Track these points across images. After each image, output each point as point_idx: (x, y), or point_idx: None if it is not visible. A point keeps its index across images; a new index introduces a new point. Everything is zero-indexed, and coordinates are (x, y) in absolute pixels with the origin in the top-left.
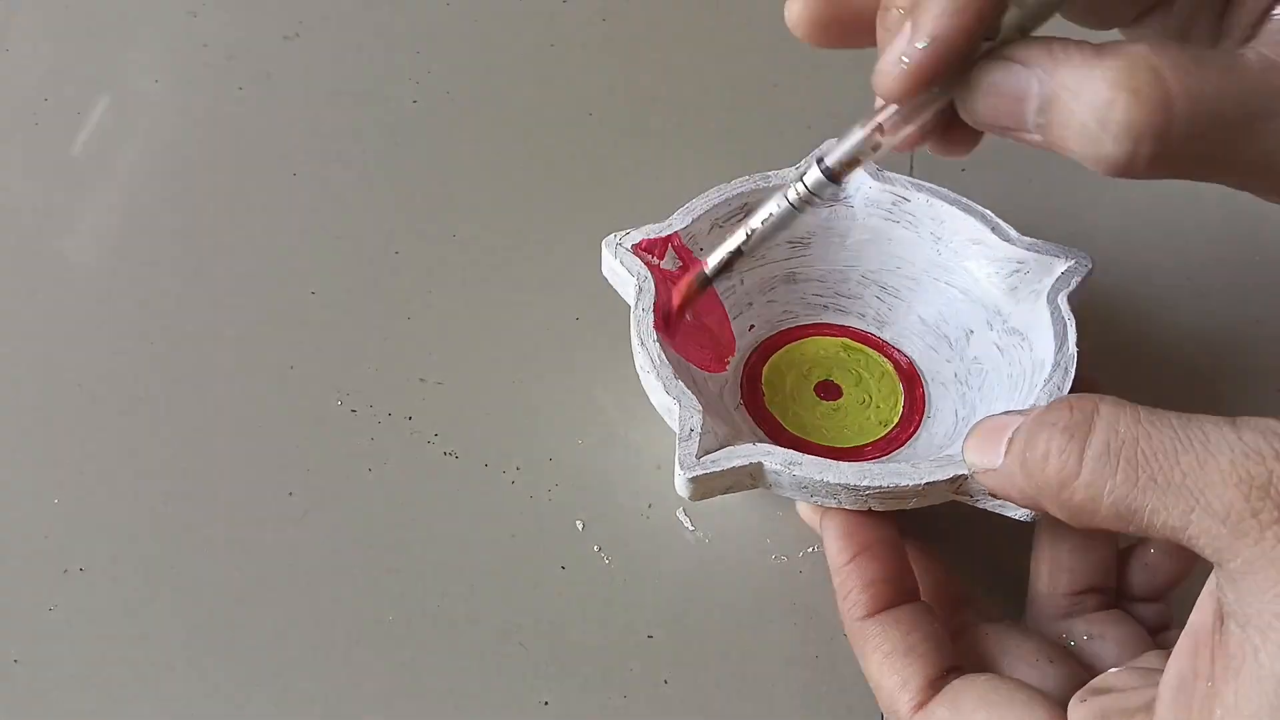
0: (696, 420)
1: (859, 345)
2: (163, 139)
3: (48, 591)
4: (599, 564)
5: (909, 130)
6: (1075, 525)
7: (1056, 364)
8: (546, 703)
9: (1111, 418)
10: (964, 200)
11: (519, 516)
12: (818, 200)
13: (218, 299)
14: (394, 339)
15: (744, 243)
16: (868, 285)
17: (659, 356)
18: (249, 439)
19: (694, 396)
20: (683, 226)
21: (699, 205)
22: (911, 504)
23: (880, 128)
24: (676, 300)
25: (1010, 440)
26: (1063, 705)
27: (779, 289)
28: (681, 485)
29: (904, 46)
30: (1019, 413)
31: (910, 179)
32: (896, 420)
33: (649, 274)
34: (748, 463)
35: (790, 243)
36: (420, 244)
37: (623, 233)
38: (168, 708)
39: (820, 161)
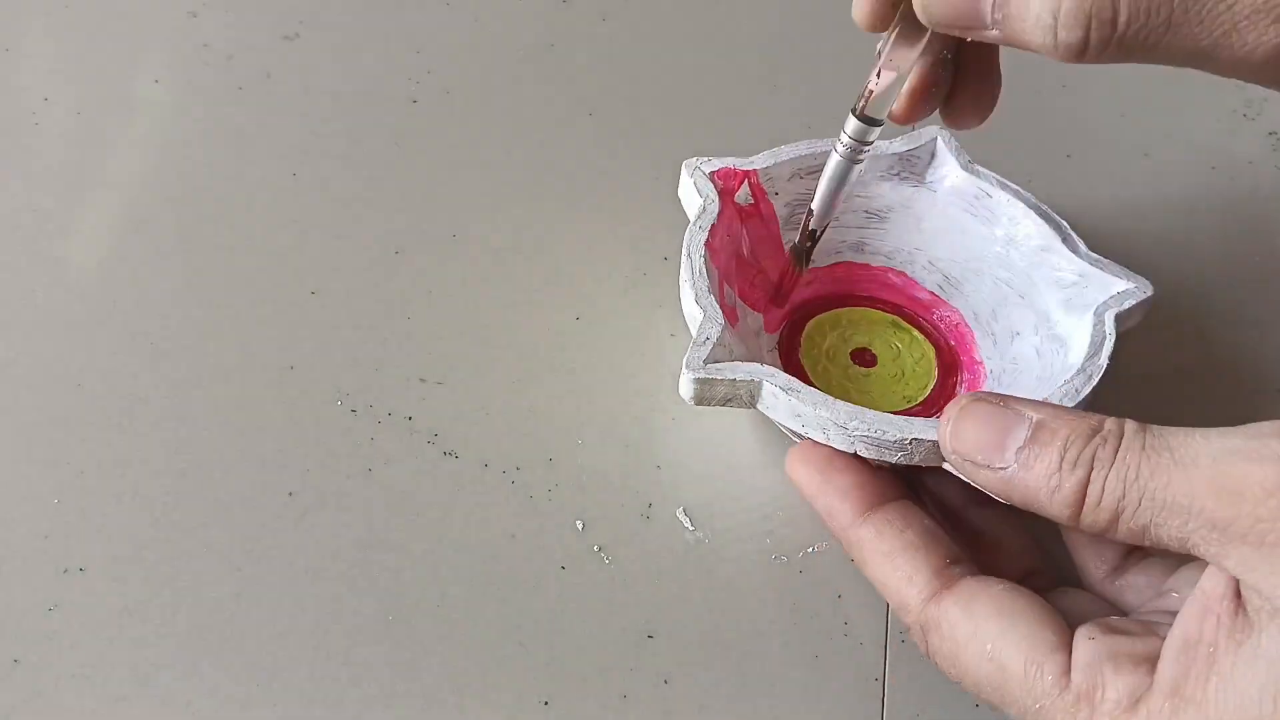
0: (715, 331)
1: (908, 326)
2: (163, 139)
3: (48, 591)
4: (599, 564)
5: (909, 56)
6: (1074, 529)
7: (1082, 369)
8: (546, 703)
9: (1126, 447)
10: (1043, 206)
11: (519, 516)
12: (864, 146)
13: (218, 299)
14: (394, 339)
15: (811, 206)
16: (931, 271)
17: (700, 270)
18: (249, 439)
19: (720, 312)
20: (764, 166)
21: (786, 151)
22: (897, 458)
23: (884, 58)
24: (788, 283)
25: (1023, 448)
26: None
27: (845, 255)
28: (685, 385)
29: None
30: (1016, 406)
31: (996, 176)
32: (920, 401)
33: (718, 198)
34: (749, 378)
35: (868, 213)
36: (420, 244)
37: (704, 158)
38: (168, 708)
39: (853, 109)
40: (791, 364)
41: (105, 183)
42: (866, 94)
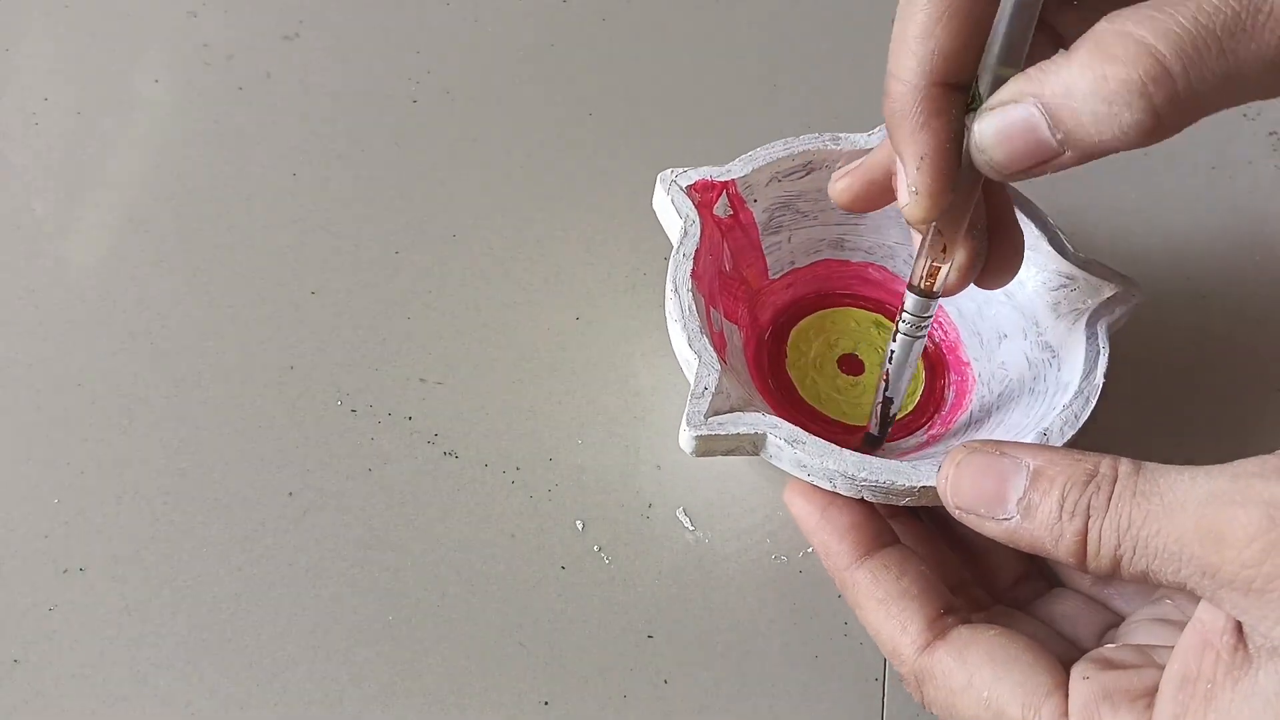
0: (712, 380)
1: (891, 324)
2: (163, 139)
3: (48, 591)
4: (599, 564)
5: (960, 226)
6: (1082, 572)
7: (1079, 391)
8: (546, 703)
9: (1119, 494)
10: (1031, 204)
11: (519, 516)
12: (925, 319)
13: (218, 299)
14: (394, 339)
15: (884, 387)
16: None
17: (689, 307)
18: (249, 439)
19: (715, 354)
20: (741, 175)
21: (761, 155)
22: (904, 502)
23: (936, 230)
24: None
25: (1023, 498)
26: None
27: (825, 252)
28: (686, 441)
29: (906, 178)
30: (1012, 453)
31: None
32: (911, 408)
33: (698, 218)
34: (752, 431)
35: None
36: (420, 244)
37: (680, 170)
38: (168, 708)
39: (910, 285)
40: (779, 376)
41: (105, 183)
42: (925, 275)
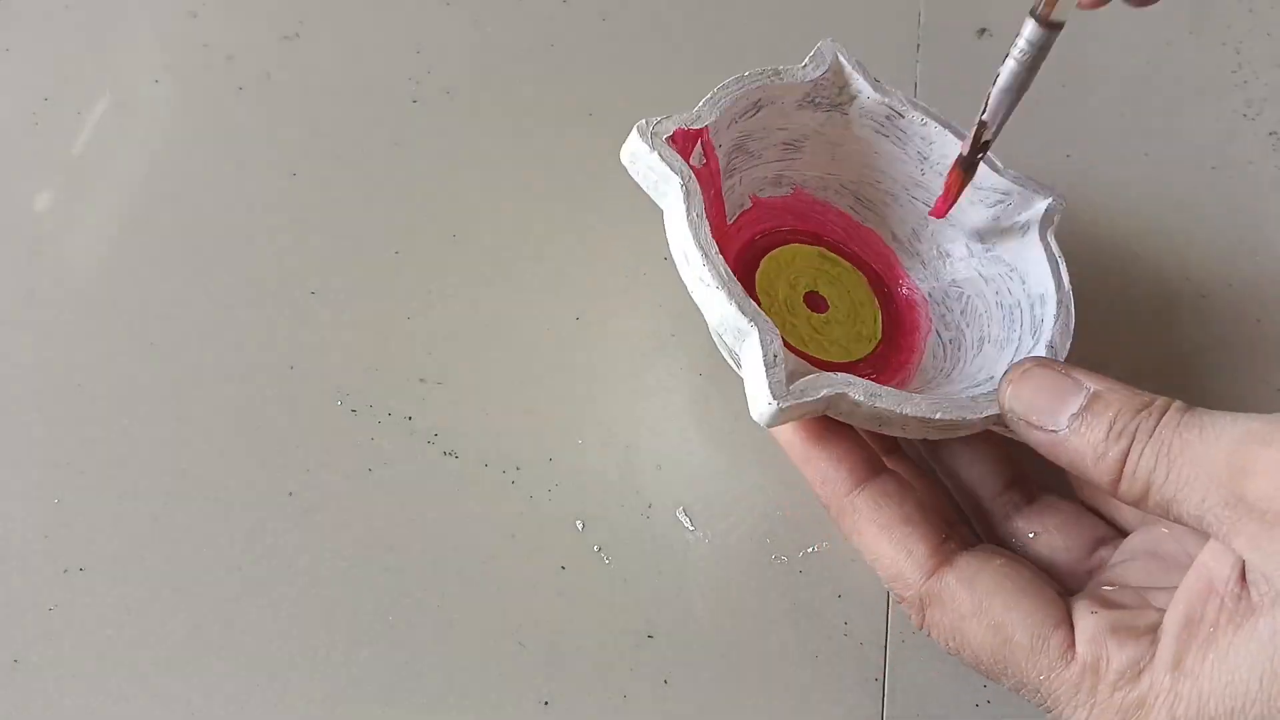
0: (778, 344)
1: (834, 255)
2: (163, 139)
3: (48, 591)
4: (599, 564)
5: None
6: (1114, 498)
7: (1060, 301)
8: (546, 703)
9: (1165, 423)
10: (956, 124)
11: (519, 516)
12: (1041, 50)
13: (218, 299)
14: (394, 339)
15: (982, 112)
16: (843, 194)
17: (726, 271)
18: (249, 439)
19: (768, 319)
20: (712, 120)
21: (723, 98)
22: (963, 433)
23: None
24: (954, 190)
25: (1077, 415)
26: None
27: (765, 190)
28: (767, 414)
29: None
30: (1076, 375)
31: (908, 97)
32: (880, 336)
33: (692, 173)
34: (834, 393)
35: (785, 144)
36: (420, 244)
37: (656, 120)
38: (168, 708)
39: (1031, 11)
40: None
41: (105, 183)
42: (1044, 3)
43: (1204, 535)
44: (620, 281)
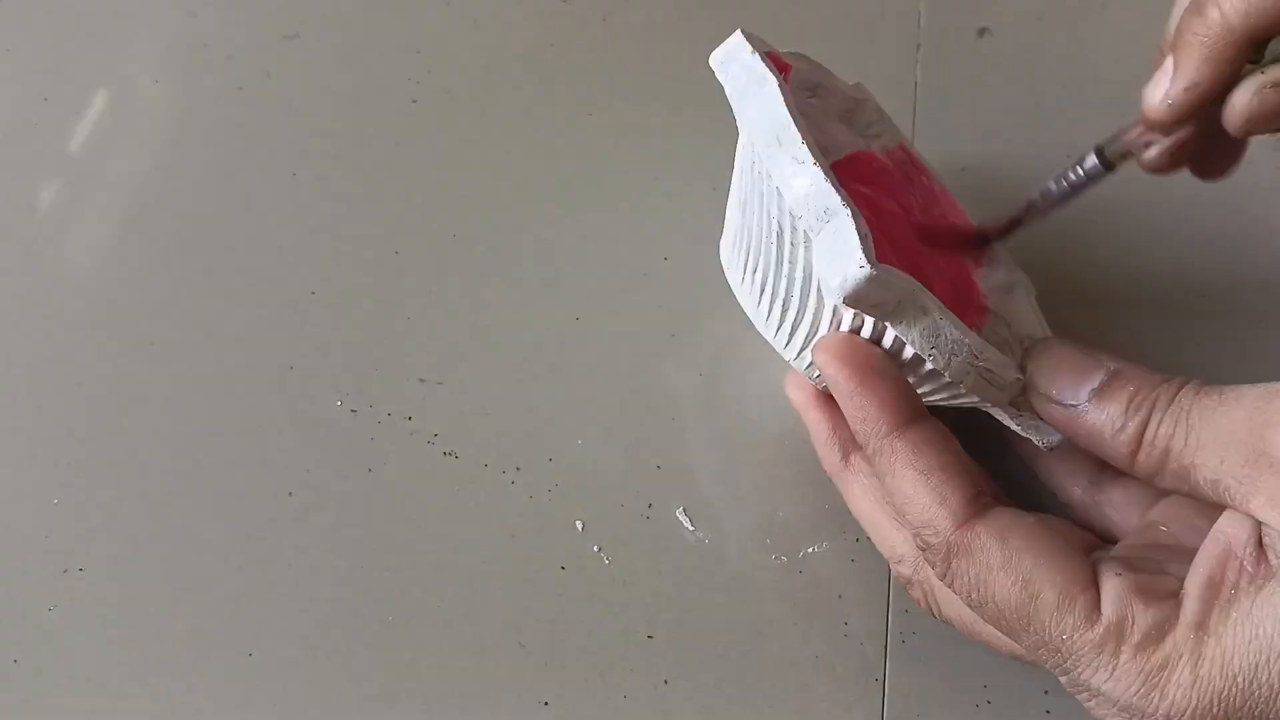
0: (867, 228)
1: None
2: (163, 139)
3: (48, 591)
4: (599, 564)
5: (1177, 134)
6: (1131, 472)
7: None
8: (546, 703)
9: (1183, 393)
10: (951, 194)
11: (519, 516)
12: (1089, 181)
13: (218, 299)
14: (394, 339)
15: (1021, 212)
16: None
17: (822, 159)
18: (249, 439)
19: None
20: (791, 64)
21: (800, 56)
22: (983, 395)
23: (1153, 127)
24: (946, 227)
25: (1097, 390)
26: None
27: None
28: (855, 278)
29: (1168, 87)
30: (1096, 355)
31: (926, 162)
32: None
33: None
34: (913, 288)
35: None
36: (420, 244)
37: (756, 37)
38: (168, 708)
39: (1099, 150)
40: None
41: (105, 183)
42: (1124, 151)
43: (1212, 513)
44: (620, 281)
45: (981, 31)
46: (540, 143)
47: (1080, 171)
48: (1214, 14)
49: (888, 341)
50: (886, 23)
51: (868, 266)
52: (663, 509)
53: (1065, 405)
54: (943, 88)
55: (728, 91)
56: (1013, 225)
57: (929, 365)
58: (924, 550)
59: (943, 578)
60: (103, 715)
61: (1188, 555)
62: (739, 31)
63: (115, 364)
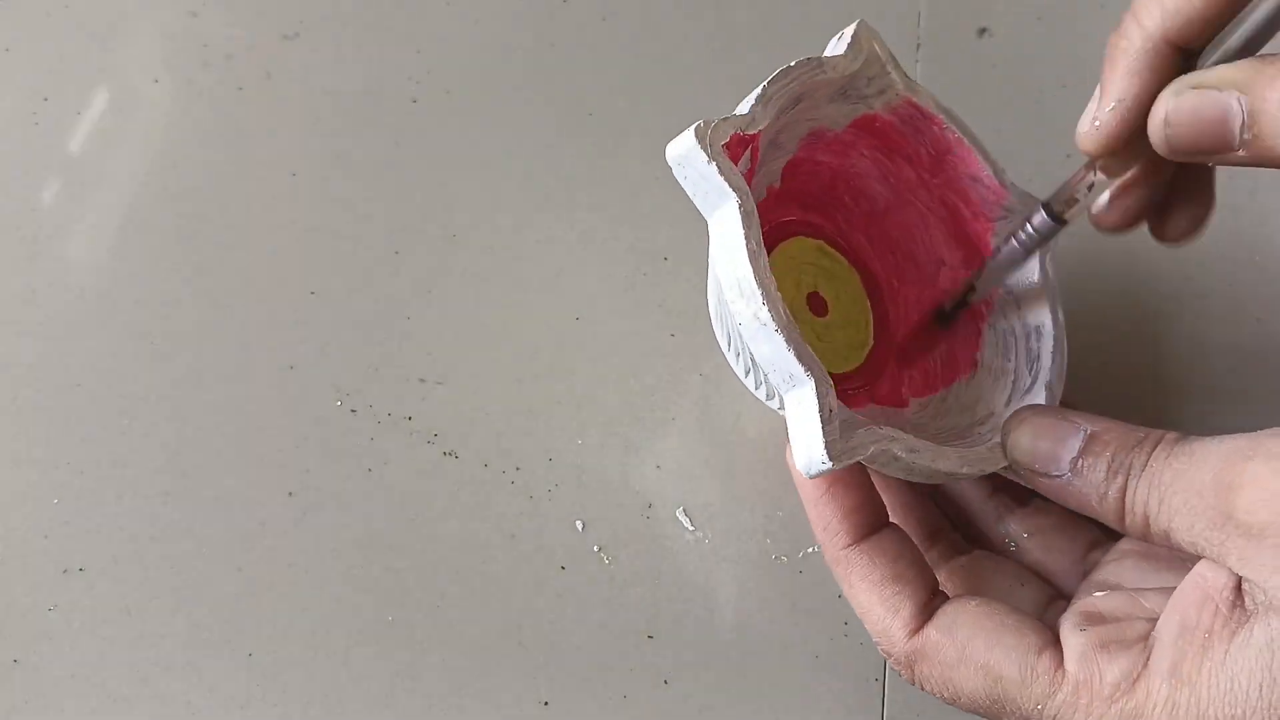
0: (833, 398)
1: (832, 251)
2: (163, 139)
3: (48, 591)
4: (599, 564)
5: (1126, 171)
6: (1125, 534)
7: (1055, 339)
8: (546, 703)
9: (1157, 455)
10: (976, 135)
11: (519, 516)
12: (1044, 238)
13: (218, 299)
14: (394, 339)
15: (976, 279)
16: (847, 187)
17: (787, 315)
18: (248, 439)
19: (823, 366)
20: (765, 124)
21: (773, 94)
22: (978, 474)
23: (1092, 166)
24: (915, 330)
25: (1077, 458)
26: (1044, 624)
27: (776, 182)
28: (817, 470)
29: (1094, 109)
30: (1072, 418)
31: (936, 99)
32: (871, 343)
33: (749, 192)
34: (881, 450)
35: (810, 135)
36: (420, 244)
37: (714, 122)
38: (168, 708)
39: (1045, 204)
40: None
41: (105, 183)
42: (1068, 198)
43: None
44: (620, 281)
45: (981, 31)
46: (540, 143)
47: (1030, 229)
48: (1131, 25)
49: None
50: (886, 23)
51: (828, 463)
52: (663, 509)
53: (1051, 477)
54: (943, 88)
55: (689, 194)
56: (967, 291)
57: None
58: (887, 659)
59: (912, 683)
60: (103, 715)
61: (1166, 576)
62: (691, 131)
63: (115, 364)
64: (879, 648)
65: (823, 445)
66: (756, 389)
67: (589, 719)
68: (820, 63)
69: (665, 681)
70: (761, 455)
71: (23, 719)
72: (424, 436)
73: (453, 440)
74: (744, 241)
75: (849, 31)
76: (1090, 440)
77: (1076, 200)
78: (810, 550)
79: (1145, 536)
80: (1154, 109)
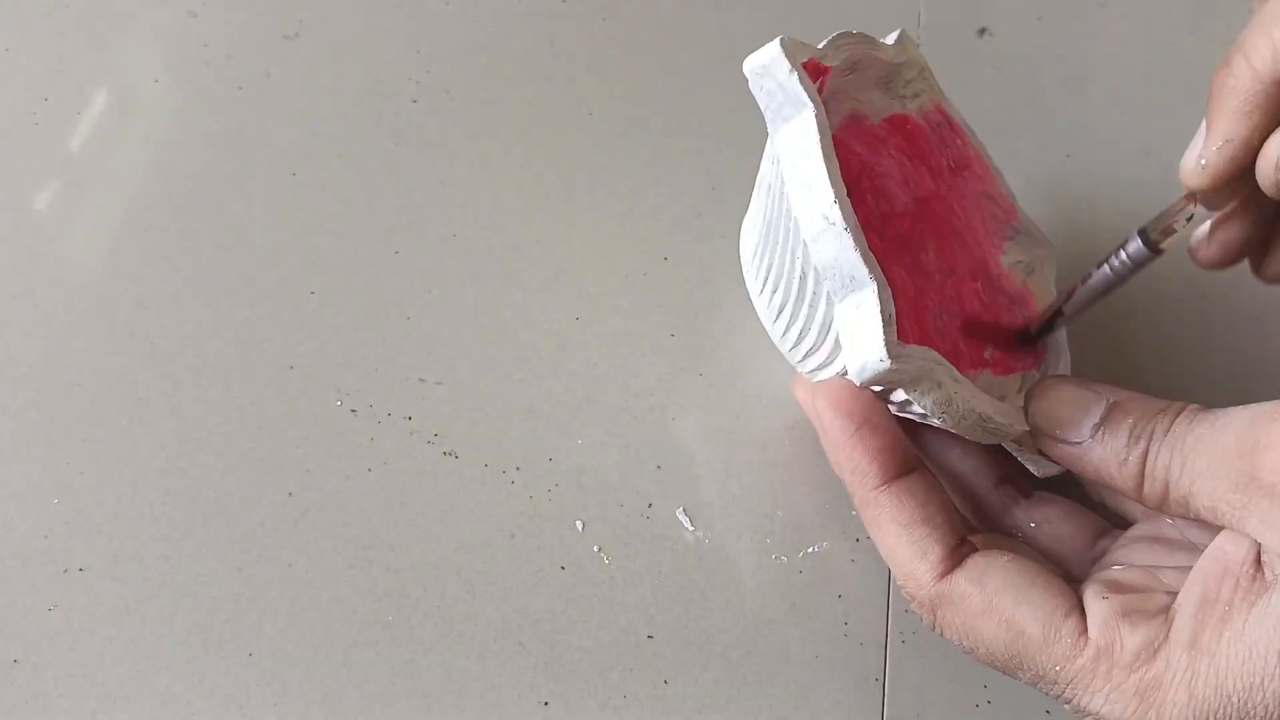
0: (892, 303)
1: None
2: (162, 139)
3: (48, 591)
4: (599, 564)
5: (1223, 210)
6: (1141, 503)
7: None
8: (546, 703)
9: (1179, 422)
10: (993, 161)
11: (519, 516)
12: (1137, 266)
13: (217, 299)
14: (394, 339)
15: (1065, 303)
16: (871, 185)
17: (854, 216)
18: (248, 439)
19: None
20: (836, 64)
21: (843, 43)
22: (995, 440)
23: (1193, 197)
24: (986, 344)
25: (1099, 425)
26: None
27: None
28: (873, 370)
29: (1200, 147)
30: (1095, 388)
31: (966, 122)
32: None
33: (823, 105)
34: (930, 366)
35: (850, 116)
36: (420, 244)
37: (797, 40)
38: (168, 708)
39: (1142, 231)
40: None
41: (105, 183)
42: (1166, 227)
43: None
44: (620, 281)
45: (981, 31)
46: (540, 143)
47: (1124, 256)
48: (1241, 64)
49: (898, 394)
50: (886, 23)
51: (887, 361)
52: (663, 509)
53: (1070, 443)
54: (943, 87)
55: (761, 106)
56: (1054, 318)
57: (936, 423)
58: (910, 602)
59: (932, 628)
60: (103, 715)
61: (1180, 557)
62: (777, 42)
63: (115, 364)
64: (903, 590)
65: (883, 344)
66: (785, 335)
67: (589, 719)
68: (871, 40)
69: (665, 681)
70: (762, 455)
71: (22, 719)
72: (424, 436)
73: (453, 440)
74: (819, 144)
75: (893, 35)
76: (1112, 409)
77: (1174, 230)
78: (810, 550)
79: (1163, 505)
80: (1265, 151)
